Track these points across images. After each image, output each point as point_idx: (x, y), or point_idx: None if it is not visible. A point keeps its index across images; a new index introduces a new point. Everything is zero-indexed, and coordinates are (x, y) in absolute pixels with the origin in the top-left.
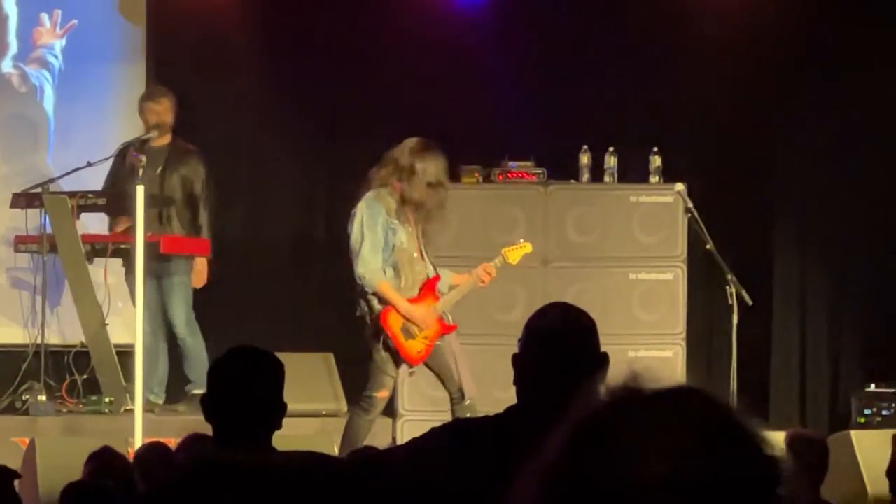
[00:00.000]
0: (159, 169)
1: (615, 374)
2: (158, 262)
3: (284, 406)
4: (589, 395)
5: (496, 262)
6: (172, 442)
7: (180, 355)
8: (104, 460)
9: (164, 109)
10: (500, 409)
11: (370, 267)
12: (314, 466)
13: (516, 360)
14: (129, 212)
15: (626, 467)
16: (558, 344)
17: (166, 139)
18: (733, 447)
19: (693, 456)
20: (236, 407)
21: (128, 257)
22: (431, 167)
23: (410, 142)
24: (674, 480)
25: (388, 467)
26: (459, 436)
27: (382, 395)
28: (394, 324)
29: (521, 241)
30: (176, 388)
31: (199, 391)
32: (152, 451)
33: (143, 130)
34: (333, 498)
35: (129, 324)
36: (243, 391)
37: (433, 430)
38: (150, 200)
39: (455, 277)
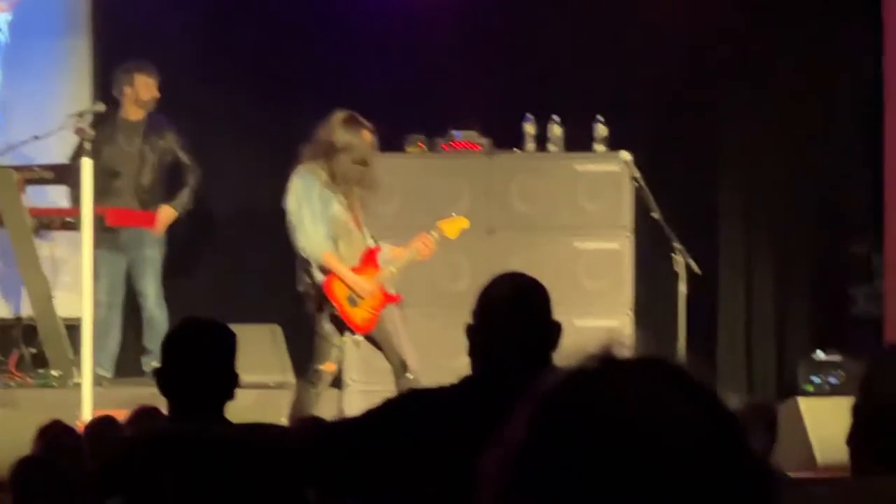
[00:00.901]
0: (136, 143)
1: (565, 343)
2: (129, 234)
3: (237, 377)
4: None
5: (433, 234)
6: (121, 415)
7: (141, 328)
8: (54, 434)
9: (154, 84)
10: (447, 379)
11: (312, 239)
12: (267, 438)
13: (470, 331)
14: (76, 185)
15: (600, 439)
16: (511, 313)
17: (143, 114)
18: (708, 421)
19: (670, 428)
20: (190, 378)
21: (75, 230)
22: (356, 142)
23: (337, 117)
24: (649, 452)
25: (343, 438)
26: (415, 406)
27: (329, 367)
28: (339, 292)
29: (453, 214)
30: (125, 362)
31: (156, 364)
32: (102, 425)
33: (126, 102)
34: (285, 469)
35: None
36: (197, 362)
37: (388, 400)
38: (126, 176)
39: (393, 251)
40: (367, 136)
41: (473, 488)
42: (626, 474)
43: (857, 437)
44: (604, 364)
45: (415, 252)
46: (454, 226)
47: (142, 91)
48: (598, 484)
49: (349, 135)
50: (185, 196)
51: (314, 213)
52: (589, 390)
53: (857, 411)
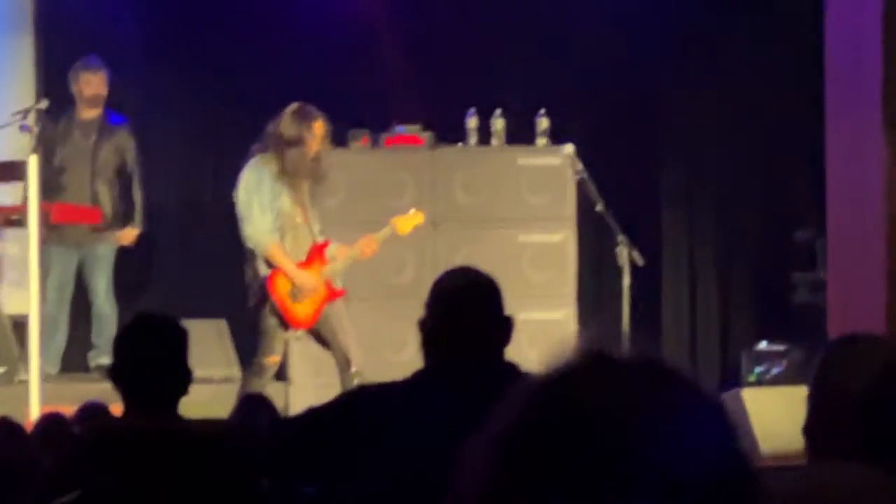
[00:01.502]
0: (91, 140)
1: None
2: (82, 232)
3: (190, 372)
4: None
5: (385, 231)
6: (68, 411)
7: (87, 324)
8: (4, 431)
9: (100, 81)
10: (391, 371)
11: (260, 228)
12: (221, 432)
13: (422, 324)
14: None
15: (591, 435)
16: (463, 308)
17: (97, 112)
18: (702, 422)
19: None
20: (144, 374)
21: (21, 227)
22: (306, 135)
23: (289, 110)
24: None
25: (298, 431)
26: (369, 400)
27: (272, 359)
28: (281, 287)
29: (412, 210)
30: (70, 357)
31: (105, 360)
32: (51, 422)
33: (78, 101)
34: (240, 463)
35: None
36: (150, 358)
37: (342, 394)
38: (80, 173)
39: (338, 248)
40: (318, 128)
41: (442, 479)
42: (616, 471)
43: (812, 426)
44: (596, 361)
45: (358, 251)
46: (408, 222)
47: (84, 88)
48: (585, 480)
49: (299, 127)
50: (140, 210)
51: (263, 205)
52: (580, 387)
53: (813, 400)
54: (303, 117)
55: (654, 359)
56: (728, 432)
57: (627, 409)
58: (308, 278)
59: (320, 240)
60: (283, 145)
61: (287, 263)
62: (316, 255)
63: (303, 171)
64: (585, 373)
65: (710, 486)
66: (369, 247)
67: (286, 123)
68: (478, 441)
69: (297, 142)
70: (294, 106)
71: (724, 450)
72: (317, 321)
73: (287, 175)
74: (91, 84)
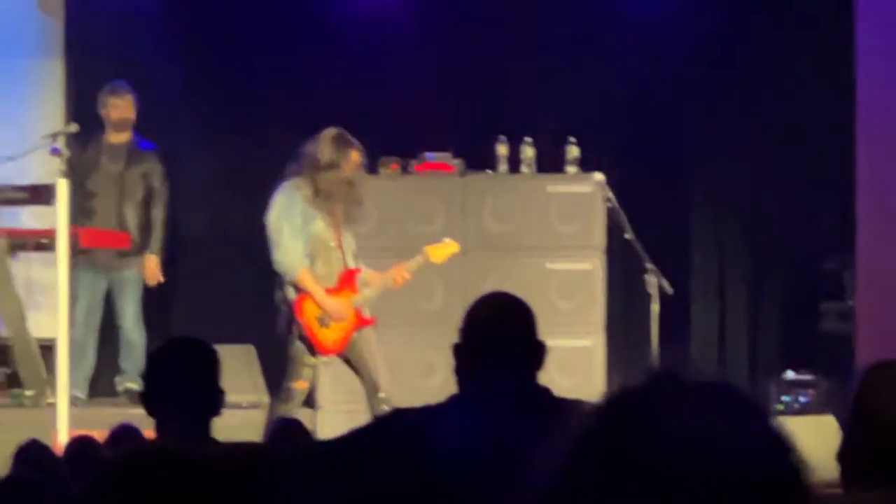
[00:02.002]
0: (121, 166)
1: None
2: (111, 257)
3: (223, 393)
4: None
5: (418, 259)
6: (97, 435)
7: (115, 349)
8: (33, 454)
9: (127, 105)
10: (420, 398)
11: (290, 254)
12: (253, 456)
13: (456, 350)
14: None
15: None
16: (496, 333)
17: (126, 136)
18: (767, 448)
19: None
20: (175, 398)
21: (49, 251)
22: (342, 160)
23: (326, 135)
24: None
25: (331, 457)
26: (402, 425)
27: (301, 385)
28: (309, 312)
29: (447, 239)
30: (99, 382)
31: (133, 384)
32: (81, 445)
33: (106, 125)
34: (274, 487)
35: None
36: (182, 381)
37: (375, 419)
38: (109, 197)
39: (370, 275)
40: (354, 156)
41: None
42: (681, 494)
43: (847, 453)
44: (664, 384)
45: (389, 280)
46: (442, 251)
47: (111, 112)
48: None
49: (336, 153)
50: (159, 237)
51: (294, 229)
52: (648, 410)
53: (849, 426)
54: (340, 144)
55: (719, 381)
56: (789, 453)
57: (693, 430)
58: (337, 305)
59: (353, 266)
60: (319, 169)
61: (317, 289)
62: (346, 281)
63: (337, 195)
64: (653, 395)
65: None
66: (400, 276)
67: (323, 147)
68: (542, 463)
69: (333, 166)
70: (332, 131)
71: (786, 470)
72: (345, 348)
73: (321, 198)
74: (118, 108)
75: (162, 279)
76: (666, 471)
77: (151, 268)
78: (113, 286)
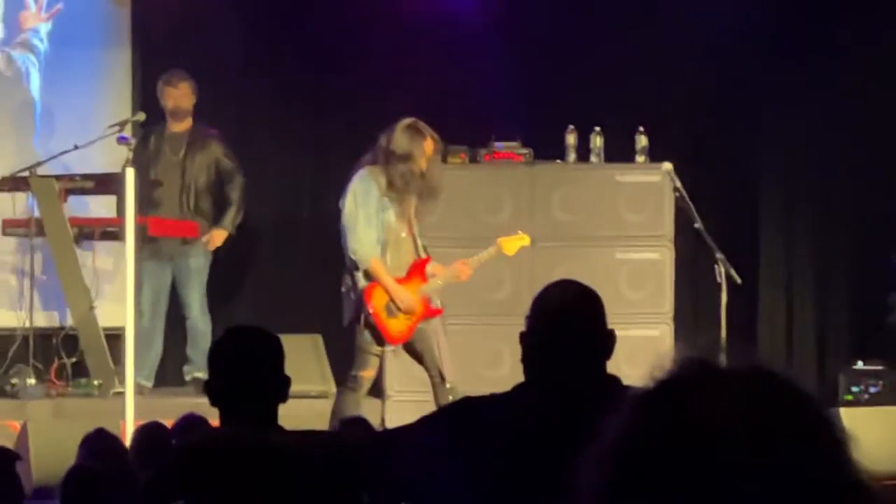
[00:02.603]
0: (181, 154)
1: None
2: (175, 245)
3: (288, 380)
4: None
5: (491, 250)
6: (166, 424)
7: (182, 338)
8: (99, 443)
9: (182, 94)
10: (486, 388)
11: (364, 241)
12: (322, 443)
13: (524, 338)
14: (121, 195)
15: (702, 443)
16: (565, 321)
17: (187, 124)
18: (810, 431)
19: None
20: (240, 387)
21: (116, 240)
22: (416, 151)
23: (401, 125)
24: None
25: (400, 444)
26: (470, 413)
27: (368, 373)
28: (377, 301)
29: (519, 231)
30: (165, 371)
31: (199, 374)
32: (150, 433)
33: (165, 113)
34: (342, 475)
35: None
36: (246, 370)
37: (443, 407)
38: (171, 186)
39: (434, 267)
40: (428, 146)
41: (545, 490)
42: (726, 482)
43: None
44: (702, 371)
45: (454, 274)
46: (514, 243)
47: (167, 101)
48: (696, 490)
49: (410, 143)
50: (232, 213)
51: (369, 218)
52: (690, 397)
53: None
54: (414, 134)
55: (757, 366)
56: (835, 441)
57: (729, 417)
58: (406, 295)
59: (423, 256)
60: (393, 160)
61: (387, 279)
62: (416, 271)
63: (411, 186)
64: (688, 382)
65: (815, 494)
66: (465, 271)
67: (398, 138)
68: (591, 452)
69: (407, 158)
70: (407, 121)
71: (830, 456)
72: (410, 337)
73: (395, 189)
74: (172, 97)
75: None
76: (701, 460)
77: (216, 237)
78: (178, 275)
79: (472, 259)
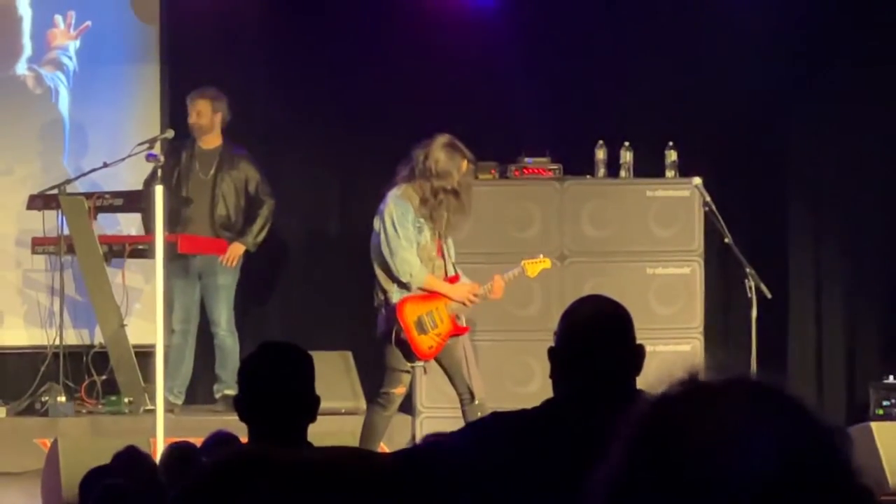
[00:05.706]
0: (211, 173)
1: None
2: (202, 262)
3: (318, 399)
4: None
5: (514, 271)
6: (196, 442)
7: (212, 355)
8: (130, 461)
9: (198, 111)
10: (516, 404)
11: (413, 263)
12: (354, 460)
13: (552, 353)
14: (149, 212)
15: (700, 461)
16: (594, 336)
17: (216, 141)
18: (807, 440)
19: (768, 448)
20: (270, 404)
21: (145, 258)
22: (453, 170)
23: (439, 142)
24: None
25: (430, 461)
26: (499, 429)
27: (398, 390)
28: (409, 316)
29: (541, 255)
30: (196, 389)
31: (230, 391)
32: (180, 451)
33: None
34: (375, 494)
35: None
36: (276, 387)
37: (471, 423)
38: (201, 204)
39: (465, 284)
40: (465, 165)
41: None
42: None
43: None
44: (692, 388)
45: (487, 292)
46: (537, 266)
47: (192, 117)
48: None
49: (449, 161)
50: (255, 231)
51: (409, 239)
52: (682, 415)
53: None
54: (453, 152)
55: (744, 380)
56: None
57: (717, 429)
58: (462, 288)
59: (453, 273)
60: (430, 176)
61: (442, 285)
62: None
63: (445, 203)
64: (679, 399)
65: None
66: (499, 289)
67: (436, 155)
68: (596, 477)
69: (444, 175)
70: (445, 138)
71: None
72: (438, 353)
73: (428, 206)
74: (199, 114)
75: (232, 260)
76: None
77: (232, 252)
78: (205, 292)
79: (506, 275)
